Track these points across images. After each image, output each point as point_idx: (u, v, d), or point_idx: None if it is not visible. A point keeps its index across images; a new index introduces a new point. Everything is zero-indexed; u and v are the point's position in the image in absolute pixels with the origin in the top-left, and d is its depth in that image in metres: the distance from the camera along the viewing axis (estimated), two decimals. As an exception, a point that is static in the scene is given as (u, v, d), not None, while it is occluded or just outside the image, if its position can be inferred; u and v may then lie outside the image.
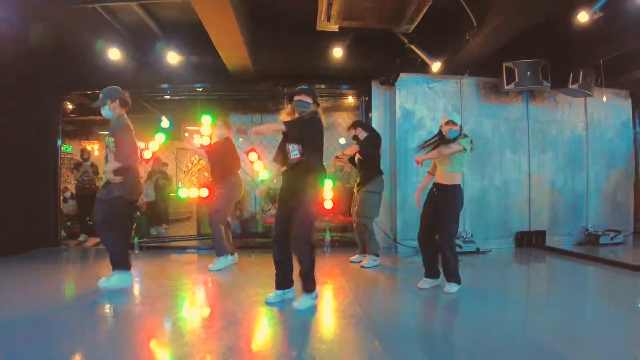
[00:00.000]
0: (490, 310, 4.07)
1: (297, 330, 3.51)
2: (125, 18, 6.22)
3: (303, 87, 4.00)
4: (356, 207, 5.93)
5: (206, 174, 12.77)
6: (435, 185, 4.73)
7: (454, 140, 4.48)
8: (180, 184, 12.84)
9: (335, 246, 7.38)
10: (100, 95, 4.61)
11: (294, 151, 3.90)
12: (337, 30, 5.28)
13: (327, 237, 7.23)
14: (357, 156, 5.95)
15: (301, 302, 3.92)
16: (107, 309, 4.11)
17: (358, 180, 6.05)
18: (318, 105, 4.01)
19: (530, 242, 7.47)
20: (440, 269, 4.69)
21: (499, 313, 3.98)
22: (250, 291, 4.64)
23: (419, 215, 6.91)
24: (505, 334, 3.47)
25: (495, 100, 7.49)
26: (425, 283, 4.72)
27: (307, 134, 3.90)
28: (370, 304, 4.39)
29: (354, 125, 6.13)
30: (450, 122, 4.54)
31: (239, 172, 5.92)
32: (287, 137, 3.95)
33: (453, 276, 4.54)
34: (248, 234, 8.02)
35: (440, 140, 4.64)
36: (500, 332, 3.49)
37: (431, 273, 4.75)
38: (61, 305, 4.27)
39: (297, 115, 3.92)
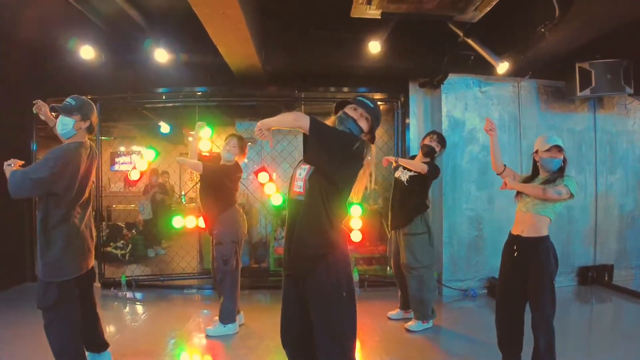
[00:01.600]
0: None
1: None
2: (102, 8, 4.99)
3: (363, 99, 2.48)
4: (402, 257, 4.55)
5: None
6: (516, 239, 3.53)
7: (560, 173, 3.28)
8: (184, 193, 11.80)
9: (365, 287, 6.02)
10: (72, 102, 3.15)
11: (299, 181, 2.39)
12: (379, 16, 3.95)
13: (356, 276, 5.89)
14: (400, 175, 4.57)
15: None
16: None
17: (393, 213, 4.69)
18: (372, 138, 2.53)
19: (594, 278, 6.36)
20: None
21: None
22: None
23: (469, 250, 5.94)
24: None
25: (558, 108, 6.26)
26: None
27: (335, 154, 2.32)
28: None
29: (434, 134, 4.64)
30: (555, 148, 3.23)
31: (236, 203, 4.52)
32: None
33: None
34: (258, 267, 6.76)
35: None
36: None
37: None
38: None
39: None
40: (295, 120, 2.27)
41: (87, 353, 3.34)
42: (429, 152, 4.47)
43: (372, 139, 2.49)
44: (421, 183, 4.45)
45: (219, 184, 4.24)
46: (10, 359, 3.65)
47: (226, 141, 4.46)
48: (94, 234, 3.39)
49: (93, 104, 3.26)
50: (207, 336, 4.24)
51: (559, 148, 3.22)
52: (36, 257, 6.30)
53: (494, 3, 3.70)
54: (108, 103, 6.06)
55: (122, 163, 12.45)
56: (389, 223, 4.78)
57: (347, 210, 2.46)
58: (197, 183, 10.82)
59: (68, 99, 3.14)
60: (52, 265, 3.00)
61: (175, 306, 5.49)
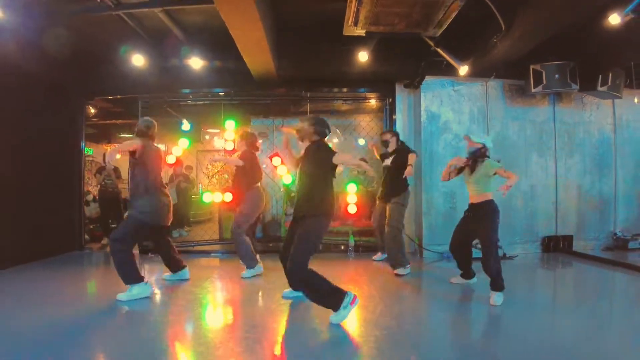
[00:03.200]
0: (518, 316, 4.07)
1: (330, 345, 3.46)
2: (148, 24, 6.23)
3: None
4: (387, 217, 5.80)
5: (226, 175, 12.86)
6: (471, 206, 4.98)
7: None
8: (201, 186, 13.00)
9: (359, 251, 7.32)
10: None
11: None
12: (364, 34, 5.21)
13: (351, 241, 7.18)
14: (387, 162, 5.94)
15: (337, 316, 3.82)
16: (137, 314, 4.13)
17: (385, 189, 5.99)
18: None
19: (557, 247, 7.35)
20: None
21: (525, 320, 3.97)
22: (278, 298, 4.65)
23: (445, 220, 7.06)
24: (530, 342, 3.43)
25: (521, 102, 7.37)
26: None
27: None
28: (401, 313, 4.31)
29: (391, 133, 6.13)
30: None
31: (260, 182, 5.82)
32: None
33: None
34: (270, 237, 8.00)
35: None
36: (526, 341, 3.48)
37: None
38: (93, 309, 4.28)
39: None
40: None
41: (170, 274, 5.26)
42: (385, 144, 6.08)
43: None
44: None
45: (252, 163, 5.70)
46: (58, 309, 4.29)
47: (242, 140, 5.91)
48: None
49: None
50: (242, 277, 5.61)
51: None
52: (85, 228, 7.67)
53: (447, 23, 4.91)
54: (147, 101, 7.34)
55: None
56: (381, 196, 6.07)
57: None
58: (212, 176, 12.08)
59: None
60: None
61: (203, 265, 6.74)
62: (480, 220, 4.74)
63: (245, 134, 5.87)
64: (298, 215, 3.96)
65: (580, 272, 6.35)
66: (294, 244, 3.80)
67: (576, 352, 3.22)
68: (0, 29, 5.17)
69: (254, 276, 5.62)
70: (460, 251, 5.20)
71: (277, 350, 3.33)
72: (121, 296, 4.49)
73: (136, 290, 4.53)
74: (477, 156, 4.76)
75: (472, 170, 4.80)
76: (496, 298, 4.43)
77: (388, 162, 5.92)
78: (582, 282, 5.98)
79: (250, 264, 5.61)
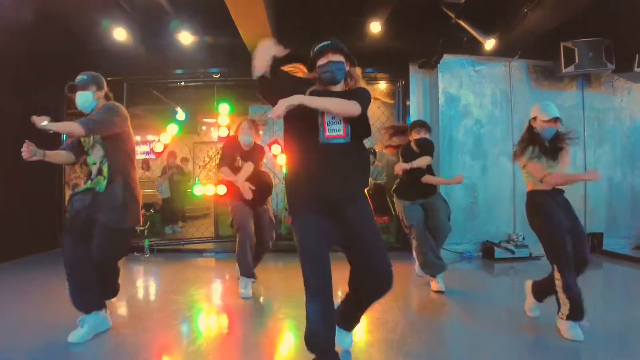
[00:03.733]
0: (544, 323, 3.52)
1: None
2: (132, -5, 5.53)
3: (326, 42, 2.67)
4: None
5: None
6: (558, 191, 3.50)
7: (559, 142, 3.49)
8: (197, 179, 12.35)
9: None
10: (84, 77, 3.32)
11: (335, 124, 2.53)
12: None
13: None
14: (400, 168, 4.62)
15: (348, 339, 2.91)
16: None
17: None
18: (353, 62, 2.71)
19: (586, 245, 6.70)
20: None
21: (552, 326, 3.41)
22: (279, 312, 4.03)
23: (465, 216, 6.43)
24: (560, 349, 3.10)
25: (547, 86, 6.74)
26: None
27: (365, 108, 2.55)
28: (426, 331, 3.57)
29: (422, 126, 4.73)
30: (555, 120, 3.42)
31: None
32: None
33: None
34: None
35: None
36: (555, 348, 3.13)
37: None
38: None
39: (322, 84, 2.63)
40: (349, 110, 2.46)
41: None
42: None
43: (354, 63, 2.69)
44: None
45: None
46: (41, 312, 3.84)
47: (240, 126, 4.61)
48: None
49: (102, 76, 3.45)
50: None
51: (558, 119, 3.43)
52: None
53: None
54: (134, 83, 6.66)
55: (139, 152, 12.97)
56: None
57: None
58: (210, 170, 11.45)
59: (80, 76, 3.31)
60: None
61: (192, 267, 6.12)
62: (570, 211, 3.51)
63: (247, 121, 4.69)
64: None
65: (611, 273, 5.94)
66: (372, 239, 2.53)
67: (605, 354, 2.99)
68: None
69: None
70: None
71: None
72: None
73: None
74: None
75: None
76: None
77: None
78: (612, 283, 5.56)
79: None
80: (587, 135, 6.84)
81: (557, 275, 3.26)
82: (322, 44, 2.63)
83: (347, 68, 2.62)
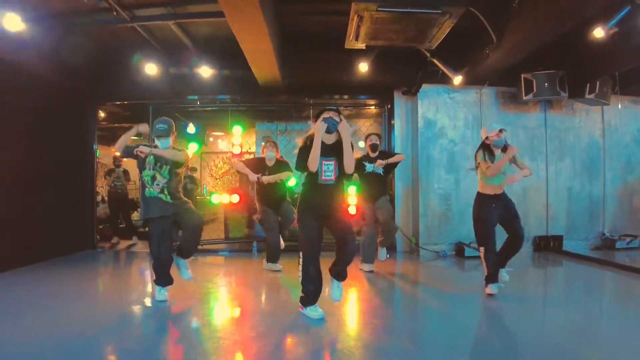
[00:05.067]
0: (508, 312, 4.28)
1: (331, 328, 3.76)
2: (160, 34, 6.61)
3: (332, 107, 4.05)
4: (384, 214, 5.87)
5: (229, 177, 13.22)
6: (498, 197, 4.83)
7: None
8: (205, 187, 13.36)
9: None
10: (165, 126, 4.51)
11: (329, 172, 3.91)
12: (364, 47, 5.57)
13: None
14: (379, 163, 5.86)
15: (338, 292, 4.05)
16: (158, 309, 4.39)
17: (376, 190, 5.96)
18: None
19: (547, 246, 7.67)
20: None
21: (517, 315, 4.18)
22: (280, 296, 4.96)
23: (440, 220, 7.46)
24: (522, 336, 3.67)
25: (513, 109, 7.70)
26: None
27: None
28: (399, 305, 4.69)
29: (379, 137, 6.14)
30: (499, 131, 4.73)
31: None
32: (326, 149, 3.87)
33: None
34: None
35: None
36: (518, 334, 3.74)
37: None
38: (116, 307, 4.54)
39: (322, 133, 3.83)
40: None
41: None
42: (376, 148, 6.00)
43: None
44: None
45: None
46: (71, 312, 4.35)
47: (265, 147, 6.07)
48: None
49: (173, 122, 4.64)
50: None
51: (501, 130, 4.70)
52: (96, 227, 7.99)
53: (442, 38, 5.27)
54: (157, 106, 7.69)
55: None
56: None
57: None
58: (219, 177, 12.38)
59: (160, 125, 4.51)
60: None
61: (205, 264, 7.10)
62: (510, 209, 4.82)
63: (268, 140, 6.28)
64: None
65: (570, 270, 6.62)
66: (344, 228, 3.91)
67: (565, 346, 3.35)
68: (23, 40, 5.46)
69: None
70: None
71: (288, 334, 3.67)
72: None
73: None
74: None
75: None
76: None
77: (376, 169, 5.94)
78: (571, 280, 6.24)
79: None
80: (549, 151, 7.79)
81: (482, 251, 4.75)
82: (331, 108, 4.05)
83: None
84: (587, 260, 6.92)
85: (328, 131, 3.83)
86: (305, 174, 3.98)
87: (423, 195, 7.47)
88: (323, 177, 3.90)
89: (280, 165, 5.98)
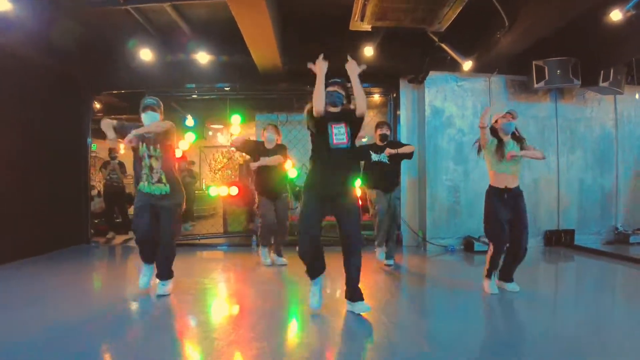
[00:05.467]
0: (519, 309, 4.11)
1: (348, 331, 3.55)
2: (155, 18, 6.31)
3: (336, 79, 3.80)
4: (391, 210, 5.67)
5: (229, 171, 12.96)
6: (509, 191, 4.33)
7: (518, 136, 4.43)
8: (204, 181, 13.10)
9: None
10: (154, 101, 4.34)
11: (340, 134, 3.61)
12: (370, 29, 5.29)
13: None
14: (388, 151, 5.59)
15: (361, 307, 3.71)
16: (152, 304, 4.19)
17: (385, 181, 5.68)
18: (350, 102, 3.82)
19: (559, 240, 7.43)
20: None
21: (528, 312, 4.03)
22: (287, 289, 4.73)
23: (448, 214, 7.18)
24: (533, 333, 3.50)
25: (524, 98, 7.43)
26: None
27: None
28: (408, 303, 4.42)
29: (389, 128, 5.95)
30: (509, 114, 4.32)
31: None
32: (333, 116, 3.65)
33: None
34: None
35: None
36: (529, 330, 3.58)
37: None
38: (103, 303, 4.35)
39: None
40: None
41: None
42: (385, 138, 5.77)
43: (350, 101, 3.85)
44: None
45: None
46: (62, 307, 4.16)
47: (266, 129, 5.80)
48: None
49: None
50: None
51: (510, 113, 4.31)
52: (91, 221, 7.77)
53: (452, 19, 5.01)
54: (155, 95, 7.38)
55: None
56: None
57: None
58: (218, 171, 12.18)
59: (150, 99, 4.32)
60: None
61: (204, 259, 6.84)
62: (518, 212, 4.33)
63: (270, 125, 5.94)
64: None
65: (582, 265, 6.44)
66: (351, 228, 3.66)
67: (577, 342, 3.23)
68: (10, 21, 5.19)
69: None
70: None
71: (287, 335, 3.45)
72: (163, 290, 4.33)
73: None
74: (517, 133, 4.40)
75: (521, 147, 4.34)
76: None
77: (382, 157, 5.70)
78: (583, 275, 6.05)
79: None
80: (560, 142, 7.53)
81: (490, 248, 4.36)
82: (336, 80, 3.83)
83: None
84: (600, 254, 6.70)
85: (333, 104, 3.63)
86: (315, 142, 3.70)
87: (430, 187, 7.19)
88: (335, 141, 3.59)
89: (280, 150, 5.71)
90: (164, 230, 4.25)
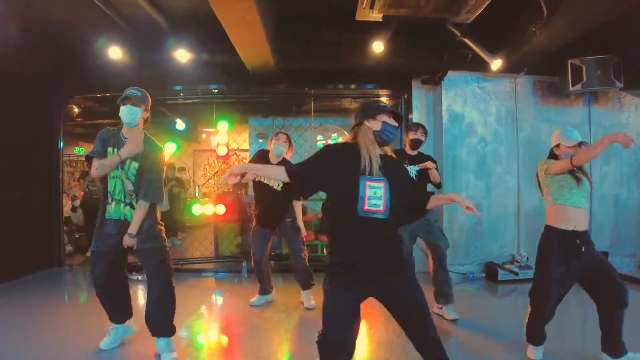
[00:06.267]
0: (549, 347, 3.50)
1: None
2: (126, 11, 5.41)
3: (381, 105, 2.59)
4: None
5: (223, 177, 12.18)
6: (580, 234, 3.29)
7: None
8: (197, 188, 12.39)
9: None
10: (138, 93, 3.34)
11: (376, 200, 2.27)
12: (381, 19, 4.38)
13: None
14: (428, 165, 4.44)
15: None
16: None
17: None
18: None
19: (591, 264, 6.57)
20: None
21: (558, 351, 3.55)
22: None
23: (468, 237, 6.36)
24: None
25: (553, 102, 6.63)
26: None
27: None
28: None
29: (425, 132, 4.67)
30: (579, 144, 3.41)
31: None
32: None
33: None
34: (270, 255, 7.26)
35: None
36: None
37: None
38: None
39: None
40: None
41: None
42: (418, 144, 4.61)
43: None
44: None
45: None
46: (33, 336, 3.90)
47: (276, 137, 4.72)
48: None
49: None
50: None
51: (582, 143, 3.36)
52: (69, 239, 6.94)
53: (484, 6, 4.11)
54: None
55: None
56: None
57: None
58: (209, 179, 11.46)
59: (132, 90, 3.33)
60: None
61: (191, 287, 5.93)
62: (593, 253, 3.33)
63: (282, 134, 4.84)
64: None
65: None
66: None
67: None
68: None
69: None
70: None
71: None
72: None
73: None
74: None
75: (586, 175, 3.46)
76: None
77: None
78: None
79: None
80: (593, 152, 6.70)
81: (529, 310, 3.43)
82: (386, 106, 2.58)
83: None
84: (635, 282, 5.87)
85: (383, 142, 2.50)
86: (330, 205, 2.51)
87: (448, 206, 6.22)
88: (366, 207, 2.38)
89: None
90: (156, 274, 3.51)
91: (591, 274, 3.25)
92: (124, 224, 3.34)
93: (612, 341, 3.25)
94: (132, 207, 3.34)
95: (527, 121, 6.48)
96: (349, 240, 2.40)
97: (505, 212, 6.40)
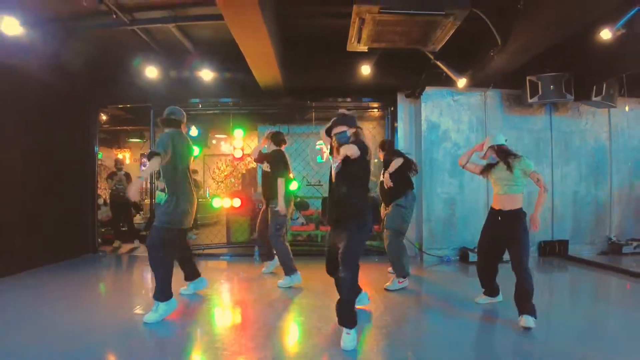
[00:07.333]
0: (514, 319, 4.12)
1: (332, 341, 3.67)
2: (161, 37, 6.54)
3: (338, 118, 3.88)
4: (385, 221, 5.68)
5: (233, 179, 13.18)
6: (502, 214, 4.38)
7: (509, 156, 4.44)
8: (208, 190, 13.33)
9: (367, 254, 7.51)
10: (179, 114, 4.55)
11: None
12: (366, 50, 5.49)
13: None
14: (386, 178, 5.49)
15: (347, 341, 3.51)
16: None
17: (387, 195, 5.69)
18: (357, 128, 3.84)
19: (553, 251, 7.58)
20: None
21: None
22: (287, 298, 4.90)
23: (444, 225, 7.39)
24: (528, 343, 3.65)
25: (518, 112, 7.60)
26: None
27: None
28: (400, 314, 4.54)
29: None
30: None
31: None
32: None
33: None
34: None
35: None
36: (524, 340, 3.71)
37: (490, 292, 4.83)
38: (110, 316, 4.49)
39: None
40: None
41: (188, 284, 4.97)
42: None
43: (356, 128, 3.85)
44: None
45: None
46: (68, 320, 4.30)
47: (269, 139, 5.82)
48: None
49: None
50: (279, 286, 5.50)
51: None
52: (98, 231, 7.95)
53: (445, 40, 5.16)
54: (160, 110, 7.63)
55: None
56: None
57: None
58: (220, 182, 12.34)
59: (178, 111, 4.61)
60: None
61: (213, 267, 7.01)
62: (514, 231, 4.28)
63: (270, 134, 5.83)
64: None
65: (575, 276, 6.57)
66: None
67: (571, 353, 3.38)
68: (22, 44, 5.43)
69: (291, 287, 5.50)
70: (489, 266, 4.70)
71: (287, 346, 3.64)
72: (149, 318, 4.13)
73: (162, 309, 4.18)
74: (509, 154, 4.40)
75: (510, 168, 4.32)
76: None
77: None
78: (577, 286, 6.20)
79: (289, 270, 5.49)
80: (555, 154, 7.70)
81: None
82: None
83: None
84: (593, 265, 6.84)
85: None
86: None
87: (427, 200, 7.39)
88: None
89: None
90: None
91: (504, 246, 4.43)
92: None
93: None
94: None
95: (496, 128, 7.44)
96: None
97: (476, 205, 7.39)
